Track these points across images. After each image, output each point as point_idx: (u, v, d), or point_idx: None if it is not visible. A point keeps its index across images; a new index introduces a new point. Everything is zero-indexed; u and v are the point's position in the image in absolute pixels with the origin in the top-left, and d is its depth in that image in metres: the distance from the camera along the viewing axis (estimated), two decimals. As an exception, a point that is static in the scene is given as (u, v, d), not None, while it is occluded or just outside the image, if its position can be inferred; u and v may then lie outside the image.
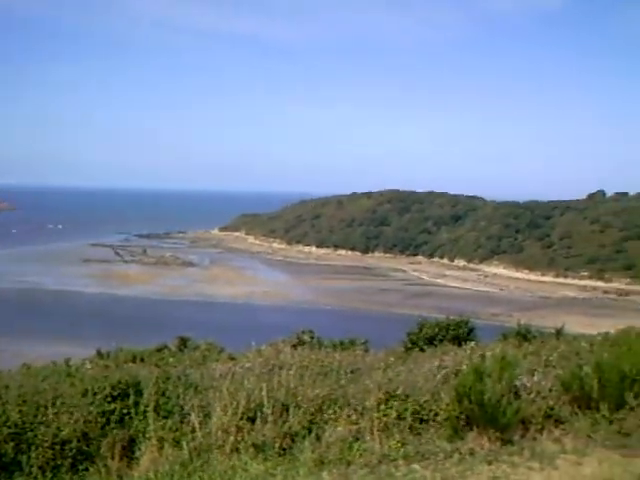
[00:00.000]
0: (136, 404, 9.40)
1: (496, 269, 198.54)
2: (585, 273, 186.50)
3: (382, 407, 9.46)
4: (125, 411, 9.33)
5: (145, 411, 9.32)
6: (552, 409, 9.90)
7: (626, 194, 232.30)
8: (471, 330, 24.35)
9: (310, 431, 9.22)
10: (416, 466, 8.50)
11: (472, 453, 8.93)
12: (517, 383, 10.10)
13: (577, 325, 67.62)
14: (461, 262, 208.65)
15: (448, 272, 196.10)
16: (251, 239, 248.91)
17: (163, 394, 9.61)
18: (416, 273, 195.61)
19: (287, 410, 9.46)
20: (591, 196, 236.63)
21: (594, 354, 11.63)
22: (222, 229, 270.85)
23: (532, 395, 10.05)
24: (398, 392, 9.69)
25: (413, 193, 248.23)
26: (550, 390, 10.27)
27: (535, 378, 10.61)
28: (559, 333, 21.31)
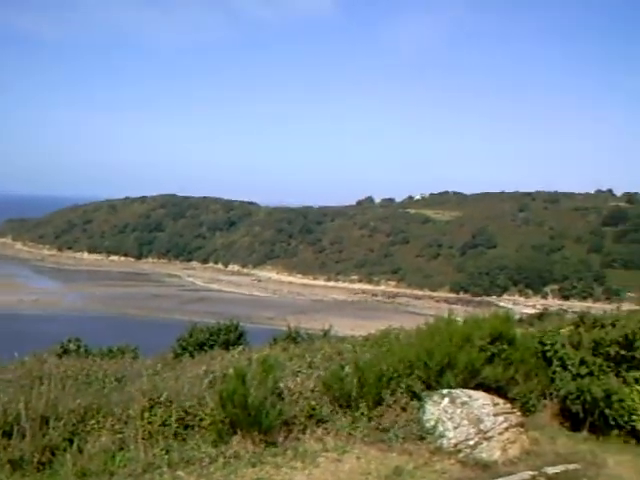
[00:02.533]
0: None
1: (270, 274, 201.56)
2: (355, 277, 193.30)
3: (146, 414, 9.32)
4: None
5: None
6: (314, 409, 10.14)
7: (392, 200, 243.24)
8: (241, 334, 24.54)
9: (72, 443, 8.91)
10: (181, 473, 8.45)
11: (237, 456, 8.98)
12: (281, 385, 10.27)
13: (347, 327, 69.57)
14: (235, 267, 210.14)
15: (223, 277, 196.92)
16: (19, 245, 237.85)
17: None
18: (190, 279, 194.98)
19: (47, 422, 9.10)
20: (360, 202, 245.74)
21: (355, 355, 12.03)
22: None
23: (295, 396, 10.26)
24: (162, 398, 9.58)
25: (187, 198, 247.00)
26: (312, 391, 10.52)
27: (298, 379, 10.83)
28: (326, 335, 21.89)
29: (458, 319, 12.72)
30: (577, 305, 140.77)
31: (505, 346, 12.04)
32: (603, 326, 13.02)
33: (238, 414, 9.30)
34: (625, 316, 13.13)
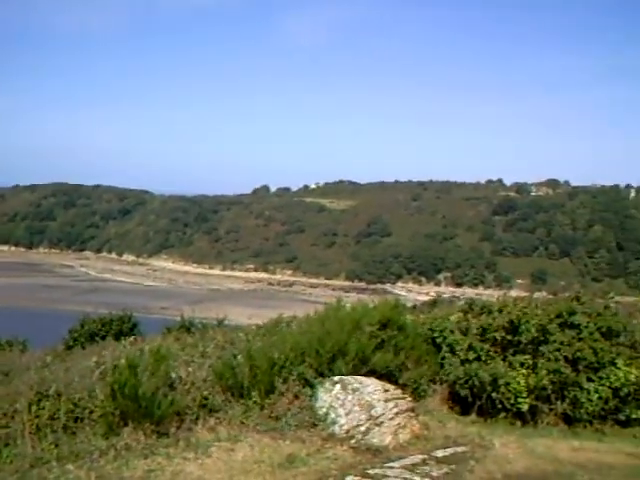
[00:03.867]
0: None
1: (165, 263, 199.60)
2: (251, 266, 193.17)
3: (34, 408, 9.11)
4: None
5: None
6: (207, 399, 10.10)
7: (288, 189, 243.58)
8: (135, 325, 24.29)
9: (-46, 440, 8.66)
10: (70, 467, 8.27)
11: (128, 448, 8.85)
12: (173, 375, 10.20)
13: (243, 316, 69.60)
14: (130, 257, 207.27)
15: (117, 267, 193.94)
16: None
17: None
18: (84, 269, 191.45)
19: None
20: (256, 191, 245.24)
21: (248, 343, 12.03)
22: None
23: (187, 386, 10.20)
24: (51, 392, 9.38)
25: (80, 187, 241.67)
26: (205, 380, 10.48)
27: (190, 369, 10.78)
28: (220, 324, 21.84)
29: (347, 306, 12.86)
30: (469, 292, 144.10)
31: (395, 332, 12.27)
32: (490, 312, 13.40)
33: (129, 405, 9.19)
34: (511, 302, 13.53)
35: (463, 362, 12.67)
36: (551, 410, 12.75)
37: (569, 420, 12.87)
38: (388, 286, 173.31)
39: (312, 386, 10.64)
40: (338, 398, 10.28)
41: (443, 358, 13.05)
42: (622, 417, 13.16)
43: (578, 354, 12.66)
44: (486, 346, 12.75)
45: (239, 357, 10.88)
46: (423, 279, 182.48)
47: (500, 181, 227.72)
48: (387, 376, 11.60)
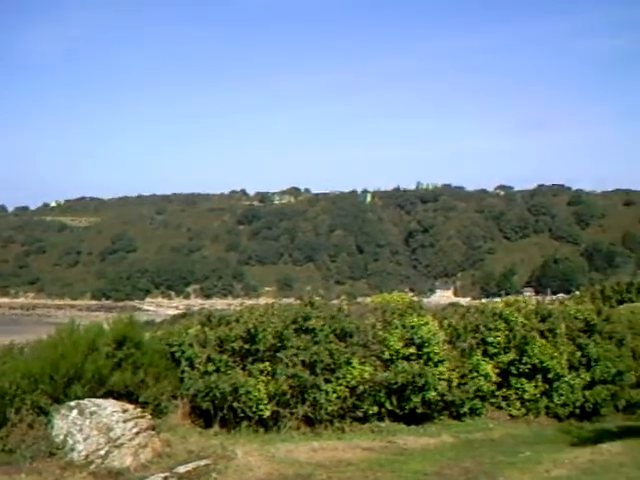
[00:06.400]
0: None
1: None
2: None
3: None
4: None
5: None
6: None
7: (27, 208, 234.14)
8: None
9: None
10: None
11: None
12: None
13: (-18, 345, 65.81)
14: None
15: None
16: None
17: None
18: None
19: None
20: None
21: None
22: None
23: None
24: None
25: None
26: None
27: None
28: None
29: (82, 327, 12.54)
30: (219, 303, 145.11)
31: (132, 350, 12.12)
32: (228, 323, 13.58)
33: None
34: (247, 311, 13.79)
35: (203, 375, 12.75)
36: (292, 414, 13.13)
37: (311, 422, 13.34)
38: (137, 302, 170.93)
39: (47, 413, 10.30)
40: (75, 423, 10.01)
41: (183, 372, 13.05)
42: (360, 414, 13.86)
43: (315, 357, 13.12)
44: (225, 357, 12.91)
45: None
46: (172, 293, 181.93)
47: (243, 191, 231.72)
48: (127, 396, 11.43)
